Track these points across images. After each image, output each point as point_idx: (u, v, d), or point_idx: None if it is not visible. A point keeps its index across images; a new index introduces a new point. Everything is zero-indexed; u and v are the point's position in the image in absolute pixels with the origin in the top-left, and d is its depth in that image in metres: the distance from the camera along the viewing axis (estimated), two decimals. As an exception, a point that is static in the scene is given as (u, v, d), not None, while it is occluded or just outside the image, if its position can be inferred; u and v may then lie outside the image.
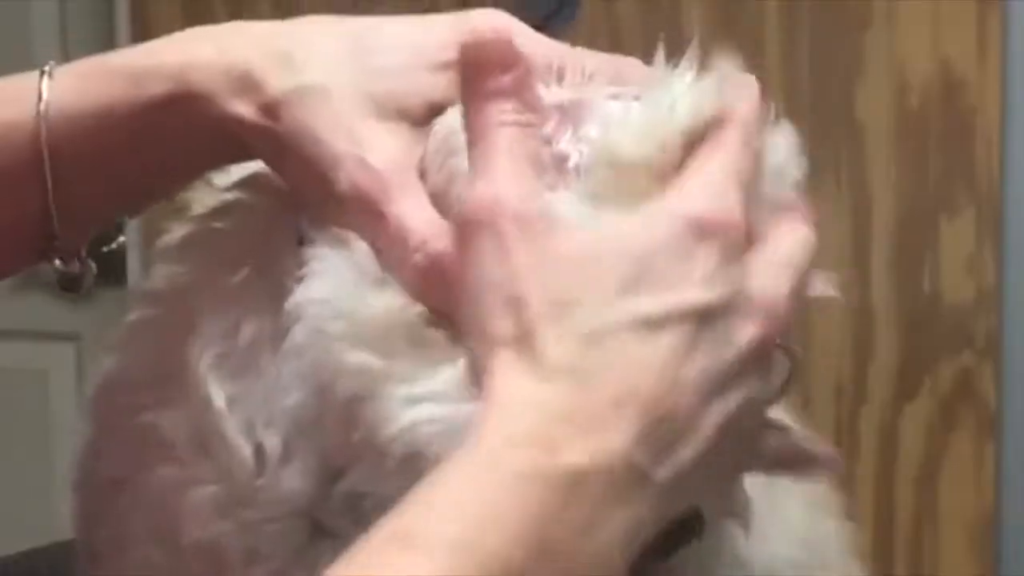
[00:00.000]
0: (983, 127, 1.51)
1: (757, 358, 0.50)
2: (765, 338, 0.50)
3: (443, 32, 0.57)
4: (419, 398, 0.52)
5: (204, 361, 0.57)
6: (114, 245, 1.86)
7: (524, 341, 0.48)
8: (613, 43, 1.61)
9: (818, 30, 1.57)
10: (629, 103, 0.54)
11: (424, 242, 0.53)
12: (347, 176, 0.54)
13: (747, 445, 0.52)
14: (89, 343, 1.93)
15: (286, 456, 0.56)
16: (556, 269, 0.49)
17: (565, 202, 0.51)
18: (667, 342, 0.48)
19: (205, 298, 0.58)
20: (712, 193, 0.51)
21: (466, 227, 0.51)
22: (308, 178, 0.55)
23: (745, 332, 0.50)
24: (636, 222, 0.50)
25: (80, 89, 0.57)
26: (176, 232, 0.62)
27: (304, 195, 0.56)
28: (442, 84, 0.56)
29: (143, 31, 1.76)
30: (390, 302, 0.53)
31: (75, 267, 0.61)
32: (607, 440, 0.47)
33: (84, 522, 0.62)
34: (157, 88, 0.56)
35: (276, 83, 0.55)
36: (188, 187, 0.61)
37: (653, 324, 0.48)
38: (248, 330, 0.57)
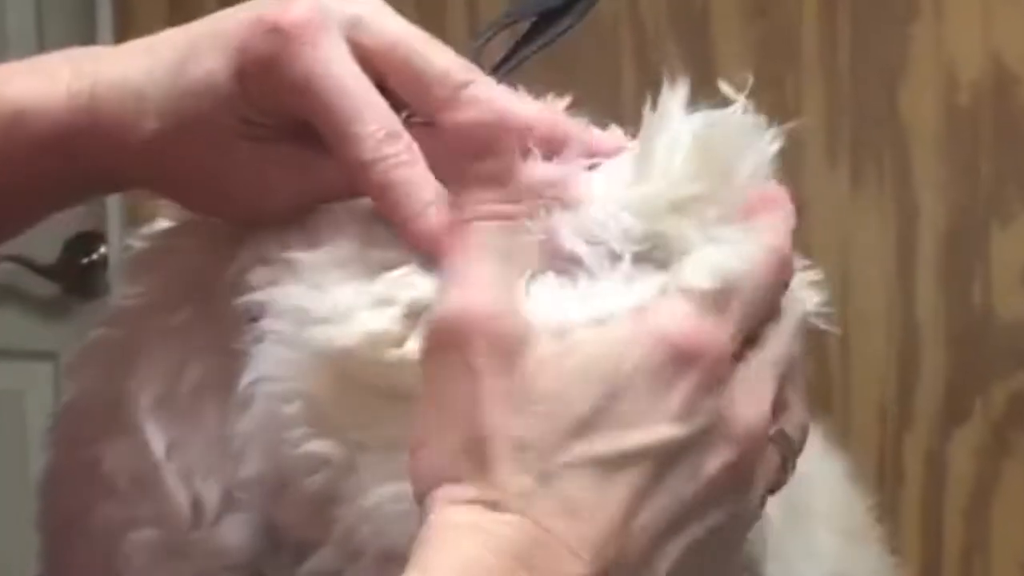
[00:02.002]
0: (1039, 127, 1.53)
1: (732, 480, 0.51)
2: (742, 461, 0.51)
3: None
4: (391, 496, 0.52)
5: (144, 400, 0.57)
6: (94, 256, 1.87)
7: (479, 480, 0.49)
8: (636, 34, 1.62)
9: (859, 22, 1.57)
10: (615, 178, 0.54)
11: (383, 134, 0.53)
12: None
13: (726, 559, 0.52)
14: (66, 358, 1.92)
15: (226, 510, 0.56)
16: (520, 404, 0.49)
17: (544, 304, 0.51)
18: (624, 484, 0.49)
19: (152, 329, 0.58)
20: (699, 309, 0.50)
21: (434, 342, 0.51)
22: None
23: (717, 459, 0.50)
24: (613, 342, 0.49)
25: None
26: (137, 246, 0.62)
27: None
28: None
29: (124, 26, 1.78)
30: (348, 373, 0.53)
31: None
32: None
33: (43, 559, 0.62)
34: (33, 129, 0.57)
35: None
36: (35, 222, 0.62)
37: (611, 465, 0.49)
38: (193, 373, 0.57)
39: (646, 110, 0.54)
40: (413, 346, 0.53)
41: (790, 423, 0.53)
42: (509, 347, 0.49)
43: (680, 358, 0.49)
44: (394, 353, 0.53)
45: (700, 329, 0.50)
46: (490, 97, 0.53)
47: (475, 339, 0.49)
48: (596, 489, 0.48)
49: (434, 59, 0.54)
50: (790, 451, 0.54)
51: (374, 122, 0.53)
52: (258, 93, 0.54)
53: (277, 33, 0.53)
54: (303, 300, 0.54)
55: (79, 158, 0.57)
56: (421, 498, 0.50)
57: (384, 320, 0.53)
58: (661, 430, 0.49)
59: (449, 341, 0.50)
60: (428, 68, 0.54)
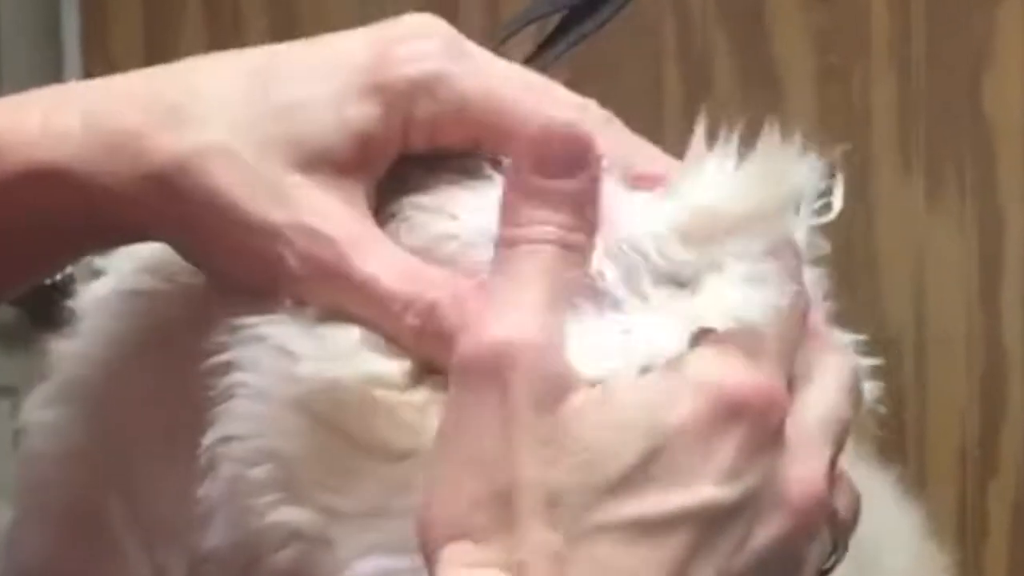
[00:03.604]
0: None
1: (781, 558, 0.51)
2: (795, 536, 0.51)
3: (360, 49, 0.56)
4: (372, 574, 0.52)
5: (102, 458, 0.58)
6: (54, 286, 1.85)
7: (503, 537, 0.49)
8: (680, 28, 1.61)
9: (937, 6, 1.58)
10: (655, 198, 0.54)
11: (410, 303, 0.53)
12: (295, 251, 0.54)
13: None
14: (27, 398, 1.94)
15: None
16: (557, 454, 0.49)
17: (584, 345, 0.51)
18: (664, 551, 0.49)
19: (111, 381, 0.59)
20: (749, 355, 0.51)
21: (468, 371, 0.50)
22: (240, 260, 0.55)
23: (768, 531, 0.50)
24: (656, 391, 0.50)
25: None
26: (93, 288, 0.62)
27: (235, 278, 0.56)
28: (368, 114, 0.55)
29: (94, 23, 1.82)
30: (330, 424, 0.53)
31: None
32: None
33: None
34: (8, 164, 0.56)
35: (166, 147, 0.55)
36: (38, 281, 0.63)
37: (650, 528, 0.49)
38: (152, 431, 0.58)
39: (695, 132, 0.54)
40: (416, 397, 0.53)
41: (842, 500, 0.53)
42: (552, 388, 0.50)
43: (728, 410, 0.50)
44: (392, 399, 0.53)
45: (750, 378, 0.50)
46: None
47: (517, 374, 0.50)
48: (632, 556, 0.49)
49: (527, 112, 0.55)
50: (842, 535, 0.53)
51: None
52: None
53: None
54: (289, 341, 0.54)
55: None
56: (429, 556, 0.50)
57: (387, 363, 0.53)
58: (706, 491, 0.49)
59: (486, 372, 0.50)
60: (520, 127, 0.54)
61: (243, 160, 0.55)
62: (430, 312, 0.53)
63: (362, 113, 0.55)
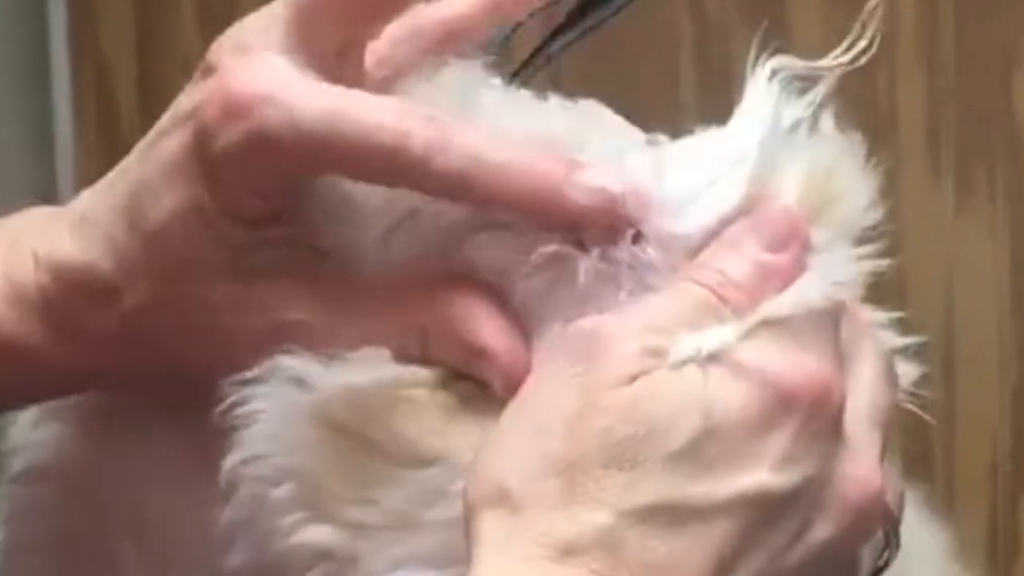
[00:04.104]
0: None
1: (837, 558, 0.52)
2: (851, 534, 0.52)
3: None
4: None
5: (102, 484, 0.60)
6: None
7: (543, 511, 0.50)
8: (697, 22, 1.61)
9: (965, 2, 1.56)
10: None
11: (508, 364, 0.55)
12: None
13: None
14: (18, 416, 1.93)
15: None
16: (618, 428, 0.51)
17: (655, 328, 0.53)
18: (714, 535, 0.50)
19: (116, 400, 0.60)
20: (812, 346, 0.52)
21: (560, 344, 0.53)
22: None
23: (825, 527, 0.51)
24: (718, 375, 0.51)
25: None
26: None
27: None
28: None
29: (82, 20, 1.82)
30: (354, 432, 0.54)
31: None
32: None
33: None
34: None
35: None
36: None
37: (700, 511, 0.50)
38: (167, 456, 0.59)
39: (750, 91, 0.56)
40: (442, 399, 0.54)
41: (890, 492, 0.54)
42: (643, 363, 0.52)
43: (785, 397, 0.51)
44: (417, 399, 0.54)
45: (807, 365, 0.52)
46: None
47: (611, 355, 0.52)
48: (681, 539, 0.50)
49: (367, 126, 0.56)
50: (893, 529, 0.54)
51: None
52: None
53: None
54: (305, 368, 0.55)
55: None
56: (472, 510, 0.51)
57: (408, 368, 0.54)
58: (760, 477, 0.51)
59: (576, 346, 0.53)
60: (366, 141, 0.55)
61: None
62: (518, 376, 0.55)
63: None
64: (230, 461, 0.54)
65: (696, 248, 0.54)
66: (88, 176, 1.94)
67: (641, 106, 0.59)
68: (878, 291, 0.58)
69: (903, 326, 0.59)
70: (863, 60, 0.57)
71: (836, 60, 0.57)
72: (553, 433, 0.51)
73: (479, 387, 0.55)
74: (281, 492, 0.54)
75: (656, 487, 0.50)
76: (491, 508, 0.51)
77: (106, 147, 1.80)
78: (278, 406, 0.54)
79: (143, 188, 0.57)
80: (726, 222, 0.54)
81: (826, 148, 0.56)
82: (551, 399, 0.52)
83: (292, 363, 0.55)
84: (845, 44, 0.57)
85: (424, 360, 0.55)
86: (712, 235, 0.54)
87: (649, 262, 0.54)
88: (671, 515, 0.50)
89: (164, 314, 0.57)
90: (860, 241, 0.56)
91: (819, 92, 0.56)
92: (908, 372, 0.58)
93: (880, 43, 0.56)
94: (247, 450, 0.54)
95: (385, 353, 0.55)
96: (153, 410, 0.59)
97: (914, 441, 0.56)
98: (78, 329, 0.58)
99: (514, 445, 0.52)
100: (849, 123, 0.57)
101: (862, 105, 1.72)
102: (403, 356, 0.55)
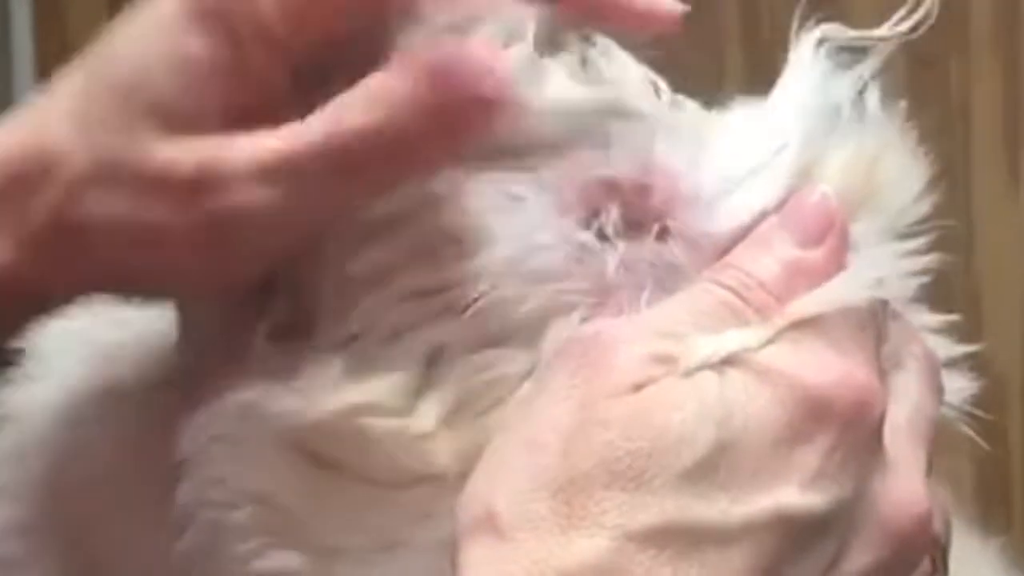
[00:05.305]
0: None
1: None
2: (896, 563, 0.50)
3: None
4: None
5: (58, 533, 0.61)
6: None
7: (535, 538, 0.49)
8: (745, 5, 1.63)
9: None
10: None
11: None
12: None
13: None
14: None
15: None
16: (621, 441, 0.49)
17: (669, 331, 0.52)
18: (733, 562, 0.48)
19: (70, 442, 0.61)
20: (848, 354, 0.51)
21: (559, 352, 0.53)
22: None
23: (865, 555, 0.49)
24: (740, 381, 0.50)
25: None
26: (51, 328, 0.62)
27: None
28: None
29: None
30: (312, 465, 0.53)
31: None
32: None
33: None
34: None
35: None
36: None
37: (716, 534, 0.48)
38: (119, 492, 0.60)
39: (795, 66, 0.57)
40: (418, 422, 0.53)
41: (937, 514, 0.52)
42: (631, 374, 0.51)
43: (816, 407, 0.50)
44: (390, 427, 0.53)
45: (841, 371, 0.51)
46: None
47: (605, 358, 0.51)
48: (694, 567, 0.48)
49: None
50: (941, 556, 0.54)
51: None
52: None
53: None
54: (265, 394, 0.54)
55: None
56: (459, 536, 0.50)
57: (375, 387, 0.54)
58: (787, 496, 0.49)
59: (575, 353, 0.52)
60: None
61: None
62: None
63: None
64: (186, 487, 0.54)
65: (727, 247, 0.54)
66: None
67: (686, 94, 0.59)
68: (947, 310, 0.57)
69: (969, 334, 0.58)
70: (922, 30, 0.56)
71: (891, 29, 0.56)
72: (548, 449, 0.50)
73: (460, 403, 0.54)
74: (240, 516, 0.54)
75: (664, 508, 0.48)
76: (478, 533, 0.49)
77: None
78: (240, 428, 0.54)
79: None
80: (763, 219, 0.54)
81: (874, 133, 0.56)
82: (546, 411, 0.51)
83: (251, 391, 0.54)
84: (903, 11, 0.56)
85: None
86: (746, 232, 0.54)
87: (673, 262, 0.54)
88: (682, 539, 0.48)
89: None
90: (908, 236, 0.55)
91: (870, 65, 0.56)
92: (965, 387, 0.57)
93: (952, 35, 0.53)
94: (205, 473, 0.54)
95: (346, 377, 0.54)
96: (101, 442, 0.60)
97: (991, 481, 0.54)
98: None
99: (505, 463, 0.51)
100: (916, 123, 0.56)
101: (931, 103, 1.74)
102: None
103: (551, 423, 0.51)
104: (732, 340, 0.51)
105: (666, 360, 0.51)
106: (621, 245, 0.54)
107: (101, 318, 0.63)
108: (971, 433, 0.57)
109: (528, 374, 0.54)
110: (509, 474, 0.50)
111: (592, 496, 0.49)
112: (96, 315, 0.63)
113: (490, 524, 0.49)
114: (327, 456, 0.54)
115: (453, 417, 0.54)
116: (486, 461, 0.52)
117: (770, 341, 0.51)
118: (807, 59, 0.57)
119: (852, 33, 0.57)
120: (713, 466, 0.49)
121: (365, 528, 0.53)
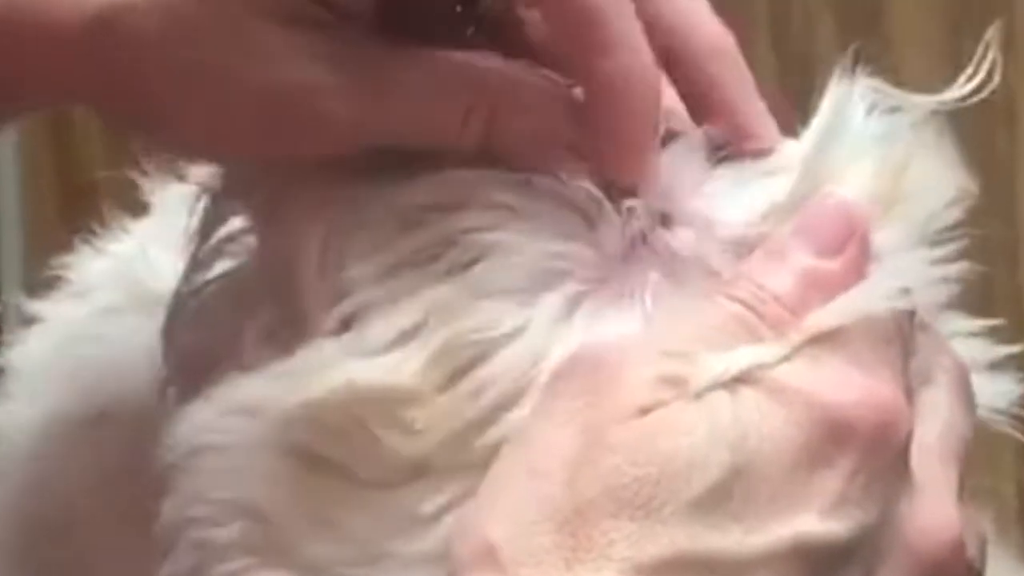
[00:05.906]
0: None
1: None
2: None
3: None
4: None
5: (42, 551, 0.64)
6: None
7: (554, 565, 0.48)
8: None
9: None
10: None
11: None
12: None
13: None
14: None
15: None
16: (627, 467, 0.49)
17: (676, 349, 0.52)
18: None
19: (51, 459, 0.63)
20: (871, 369, 0.50)
21: (559, 375, 0.52)
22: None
23: None
24: (753, 401, 0.50)
25: None
26: (28, 341, 0.66)
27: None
28: None
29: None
30: (297, 462, 0.53)
31: None
32: None
33: None
34: None
35: None
36: None
37: (731, 567, 0.47)
38: (102, 513, 0.62)
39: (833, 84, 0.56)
40: (443, 405, 0.53)
41: (970, 540, 0.52)
42: (643, 398, 0.50)
43: (836, 428, 0.49)
44: (387, 408, 0.53)
45: (863, 388, 0.50)
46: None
47: (610, 380, 0.51)
48: None
49: None
50: None
51: None
52: None
53: None
54: (254, 391, 0.55)
55: None
56: (455, 572, 0.49)
57: (405, 361, 0.53)
58: (806, 524, 0.48)
59: (576, 375, 0.52)
60: None
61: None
62: None
63: None
64: (170, 505, 0.55)
65: (737, 241, 0.54)
66: (31, 160, 1.99)
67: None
68: (991, 302, 0.54)
69: (1013, 337, 0.58)
70: (977, 98, 0.56)
71: (945, 95, 0.56)
72: (551, 477, 0.49)
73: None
74: (228, 533, 0.54)
75: (675, 538, 0.48)
76: (477, 569, 0.49)
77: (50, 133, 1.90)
78: (225, 437, 0.55)
79: None
80: (779, 213, 0.54)
81: (904, 138, 0.55)
82: (548, 437, 0.51)
83: (236, 388, 0.55)
84: (960, 80, 0.56)
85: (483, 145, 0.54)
86: (757, 227, 0.54)
87: (678, 251, 0.54)
88: (694, 572, 0.48)
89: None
90: (939, 242, 0.55)
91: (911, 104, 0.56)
92: (1012, 390, 0.57)
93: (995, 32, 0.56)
94: (189, 488, 0.55)
95: (342, 354, 0.54)
96: (88, 461, 0.61)
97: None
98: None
99: (505, 492, 0.50)
100: (955, 125, 0.56)
101: (972, 104, 1.76)
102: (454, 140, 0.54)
103: (553, 449, 0.50)
104: (745, 357, 0.51)
105: (675, 382, 0.50)
106: (636, 224, 0.54)
107: (80, 335, 0.64)
108: (1019, 435, 0.57)
109: (516, 333, 0.53)
110: (509, 504, 0.50)
111: (598, 526, 0.48)
112: (75, 332, 0.64)
113: (490, 559, 0.49)
114: (312, 449, 0.53)
115: (437, 371, 0.54)
116: (485, 490, 0.51)
117: (786, 358, 0.51)
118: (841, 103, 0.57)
119: (898, 94, 0.57)
120: (727, 492, 0.49)
121: (352, 537, 0.53)
